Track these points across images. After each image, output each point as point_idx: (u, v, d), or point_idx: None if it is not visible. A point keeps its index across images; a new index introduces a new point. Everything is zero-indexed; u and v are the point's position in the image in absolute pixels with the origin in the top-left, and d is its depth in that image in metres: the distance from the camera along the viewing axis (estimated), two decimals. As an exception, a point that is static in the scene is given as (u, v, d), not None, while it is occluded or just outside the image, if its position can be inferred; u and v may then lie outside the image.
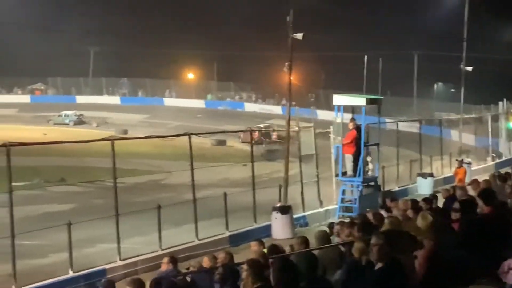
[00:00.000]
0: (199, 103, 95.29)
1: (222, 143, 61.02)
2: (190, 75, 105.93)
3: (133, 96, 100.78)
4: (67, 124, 78.26)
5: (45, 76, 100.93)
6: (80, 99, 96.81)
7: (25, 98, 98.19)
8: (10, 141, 17.17)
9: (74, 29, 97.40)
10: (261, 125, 70.70)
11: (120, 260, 19.57)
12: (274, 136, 65.36)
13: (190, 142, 22.56)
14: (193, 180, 22.55)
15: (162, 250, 20.30)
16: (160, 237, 20.63)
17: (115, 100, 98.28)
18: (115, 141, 20.32)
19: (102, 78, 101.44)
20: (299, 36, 25.50)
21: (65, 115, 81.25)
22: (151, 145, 50.71)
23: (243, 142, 65.69)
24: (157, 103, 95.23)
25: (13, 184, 17.43)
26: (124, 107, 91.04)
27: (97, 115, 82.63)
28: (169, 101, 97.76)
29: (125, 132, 68.14)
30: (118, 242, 19.59)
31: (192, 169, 22.55)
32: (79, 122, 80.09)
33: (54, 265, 20.50)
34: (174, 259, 13.61)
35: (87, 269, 18.69)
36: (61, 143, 21.50)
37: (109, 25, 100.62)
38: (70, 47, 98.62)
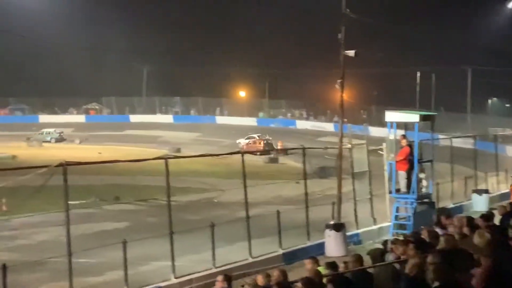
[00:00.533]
0: (251, 121, 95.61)
1: (274, 160, 61.07)
2: (242, 93, 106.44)
3: (185, 115, 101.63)
4: (49, 141, 79.49)
5: (100, 96, 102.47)
6: (134, 118, 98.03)
7: (80, 118, 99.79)
8: (66, 161, 17.41)
9: (128, 50, 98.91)
10: (255, 136, 76.33)
11: (175, 278, 19.64)
12: (279, 145, 69.81)
13: (243, 160, 22.63)
14: (246, 198, 22.59)
15: (216, 268, 20.33)
16: (214, 255, 20.67)
17: (168, 118, 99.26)
18: (169, 160, 20.48)
19: (155, 97, 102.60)
20: (351, 53, 25.44)
21: (46, 133, 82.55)
22: (204, 163, 50.99)
23: (245, 152, 67.80)
24: (209, 121, 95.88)
25: (69, 202, 17.67)
26: (177, 125, 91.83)
27: (150, 134, 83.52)
28: (221, 119, 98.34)
29: (178, 150, 68.63)
30: (173, 260, 19.68)
31: (245, 187, 22.60)
32: (60, 139, 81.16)
33: (109, 283, 20.73)
34: (228, 277, 13.61)
35: (142, 287, 18.80)
36: (116, 162, 21.76)
37: (162, 45, 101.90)
38: (123, 67, 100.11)
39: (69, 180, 17.38)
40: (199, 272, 20.35)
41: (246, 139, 76.63)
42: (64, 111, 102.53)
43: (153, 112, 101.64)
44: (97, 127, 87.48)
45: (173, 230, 19.89)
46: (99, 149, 67.53)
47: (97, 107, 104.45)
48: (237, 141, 77.56)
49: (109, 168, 40.60)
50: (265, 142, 72.67)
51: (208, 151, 55.12)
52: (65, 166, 17.06)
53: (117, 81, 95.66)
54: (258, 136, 77.11)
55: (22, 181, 18.79)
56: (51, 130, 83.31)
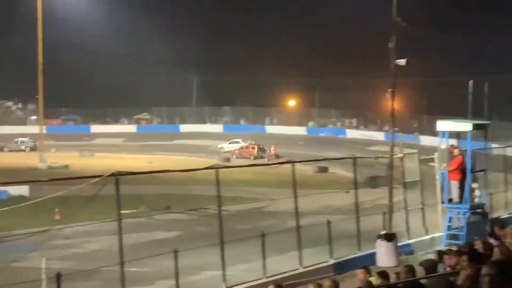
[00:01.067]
0: (300, 130, 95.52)
1: (324, 170, 60.82)
2: (291, 102, 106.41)
3: (235, 124, 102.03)
4: (24, 150, 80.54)
5: (150, 106, 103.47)
6: (184, 128, 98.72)
7: (132, 128, 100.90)
8: (118, 171, 17.56)
9: (178, 60, 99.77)
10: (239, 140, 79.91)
11: (226, 287, 19.67)
12: (272, 151, 72.78)
13: (293, 169, 22.58)
14: (296, 207, 22.54)
15: (267, 277, 20.30)
16: (264, 265, 20.65)
17: (217, 128, 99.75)
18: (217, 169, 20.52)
19: (205, 107, 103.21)
20: (402, 62, 25.21)
21: (20, 141, 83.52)
22: (254, 172, 51.10)
23: (238, 158, 72.06)
24: (259, 130, 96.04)
25: (121, 212, 17.83)
26: (227, 135, 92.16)
27: (200, 143, 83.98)
28: (270, 129, 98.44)
29: (228, 159, 68.89)
30: (224, 270, 19.70)
31: (295, 197, 22.54)
32: (34, 148, 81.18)
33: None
34: (279, 286, 13.58)
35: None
36: (167, 171, 21.89)
37: (211, 55, 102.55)
38: (174, 77, 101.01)
39: (121, 189, 17.55)
40: (249, 281, 20.35)
41: (230, 143, 79.51)
42: (115, 121, 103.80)
43: (203, 122, 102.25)
44: (148, 137, 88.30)
45: (223, 239, 19.93)
46: (150, 159, 68.13)
47: (147, 117, 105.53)
48: (219, 146, 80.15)
49: (160, 178, 40.96)
50: (259, 147, 74.64)
51: (256, 160, 55.22)
52: (117, 176, 17.22)
53: (167, 91, 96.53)
54: (241, 140, 79.72)
55: (75, 191, 19.03)
56: (25, 139, 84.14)
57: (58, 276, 16.03)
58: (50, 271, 19.38)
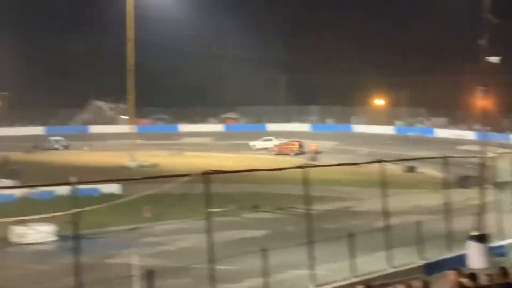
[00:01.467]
0: (388, 129, 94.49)
1: (412, 169, 60.01)
2: (379, 101, 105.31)
3: (322, 123, 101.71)
4: (57, 149, 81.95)
5: (237, 105, 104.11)
6: (270, 126, 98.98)
7: (219, 127, 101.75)
8: (208, 170, 17.72)
9: (265, 59, 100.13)
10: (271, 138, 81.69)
11: (316, 286, 19.62)
12: (312, 147, 74.45)
13: (382, 169, 22.37)
14: (385, 207, 22.33)
15: (355, 277, 20.19)
16: (353, 265, 20.53)
17: (304, 127, 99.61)
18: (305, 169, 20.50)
19: (291, 106, 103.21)
20: (495, 59, 24.65)
21: (54, 140, 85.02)
22: (342, 172, 50.90)
23: (277, 155, 75.06)
24: (346, 129, 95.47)
25: (210, 210, 18.00)
26: (314, 134, 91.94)
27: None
28: (357, 128, 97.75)
29: (315, 159, 68.79)
30: (312, 269, 19.66)
31: (384, 196, 22.34)
32: (67, 147, 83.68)
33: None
34: (369, 286, 13.51)
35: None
36: (256, 170, 22.02)
37: (298, 54, 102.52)
38: (261, 76, 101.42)
39: (209, 188, 17.71)
40: (338, 281, 20.27)
41: (263, 141, 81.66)
42: (203, 120, 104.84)
43: (289, 120, 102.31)
44: (235, 136, 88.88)
45: (311, 239, 19.90)
46: (237, 158, 68.61)
47: (235, 116, 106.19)
48: (252, 143, 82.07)
49: (248, 177, 41.25)
50: (299, 143, 77.40)
51: (345, 160, 54.89)
52: (207, 175, 17.38)
53: (254, 90, 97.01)
54: (273, 138, 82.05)
55: (165, 189, 19.35)
56: (59, 138, 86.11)
57: (150, 274, 16.33)
58: (139, 268, 19.82)
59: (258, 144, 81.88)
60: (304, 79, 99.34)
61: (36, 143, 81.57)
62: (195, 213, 30.66)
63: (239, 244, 28.93)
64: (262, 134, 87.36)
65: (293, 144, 77.81)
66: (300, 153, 74.97)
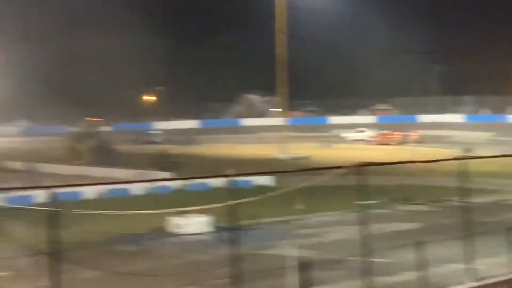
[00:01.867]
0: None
1: None
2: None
3: (478, 114, 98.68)
4: (156, 142, 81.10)
5: (390, 96, 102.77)
6: (424, 118, 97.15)
7: (370, 119, 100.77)
8: (364, 162, 17.64)
9: (418, 50, 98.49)
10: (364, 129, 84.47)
11: (476, 280, 19.07)
12: (413, 136, 78.48)
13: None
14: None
15: (515, 273, 19.55)
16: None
17: (459, 118, 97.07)
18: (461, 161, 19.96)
19: (446, 97, 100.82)
20: None
21: (154, 134, 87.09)
22: (499, 164, 49.27)
23: (377, 144, 76.14)
24: (501, 120, 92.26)
25: (362, 202, 17.92)
26: (469, 125, 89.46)
27: (440, 133, 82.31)
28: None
29: (469, 150, 66.84)
30: (469, 263, 19.14)
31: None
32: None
33: (403, 283, 20.76)
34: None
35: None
36: (412, 162, 21.59)
37: (452, 44, 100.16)
38: (414, 67, 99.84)
39: (362, 180, 17.64)
40: (497, 276, 19.65)
41: (357, 132, 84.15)
42: (352, 112, 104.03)
43: (443, 111, 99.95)
44: (387, 127, 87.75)
45: (468, 232, 19.40)
46: (388, 150, 67.99)
47: (388, 108, 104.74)
48: (343, 135, 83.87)
49: (401, 169, 40.76)
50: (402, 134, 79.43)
51: (502, 151, 53.11)
52: (361, 168, 17.32)
53: (407, 81, 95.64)
54: (366, 129, 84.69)
55: (321, 181, 19.47)
56: (157, 131, 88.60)
57: (305, 265, 16.49)
58: (293, 259, 20.05)
59: (350, 135, 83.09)
60: (457, 69, 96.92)
61: (137, 137, 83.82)
62: (348, 205, 30.64)
63: (392, 236, 28.68)
64: (412, 126, 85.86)
65: (393, 135, 79.56)
66: (403, 142, 77.27)
